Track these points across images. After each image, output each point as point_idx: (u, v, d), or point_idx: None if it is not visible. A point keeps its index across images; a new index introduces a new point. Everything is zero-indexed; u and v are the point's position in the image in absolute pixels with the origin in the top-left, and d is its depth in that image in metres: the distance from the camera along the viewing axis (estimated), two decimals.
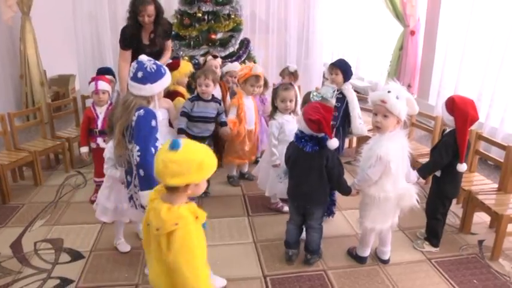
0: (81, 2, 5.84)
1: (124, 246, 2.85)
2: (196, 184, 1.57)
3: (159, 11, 3.64)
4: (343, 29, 8.37)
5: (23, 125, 4.25)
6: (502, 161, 3.10)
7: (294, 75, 4.21)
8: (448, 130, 2.74)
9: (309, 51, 6.64)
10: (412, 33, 5.79)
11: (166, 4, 5.96)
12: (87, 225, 3.15)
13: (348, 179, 2.63)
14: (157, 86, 2.22)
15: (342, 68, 3.82)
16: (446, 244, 2.95)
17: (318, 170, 2.49)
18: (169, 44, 4.01)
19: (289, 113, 3.17)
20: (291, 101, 3.12)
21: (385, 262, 2.74)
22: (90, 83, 3.48)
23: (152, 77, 2.19)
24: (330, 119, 2.43)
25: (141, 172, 2.12)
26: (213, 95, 3.45)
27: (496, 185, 3.17)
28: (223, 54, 4.92)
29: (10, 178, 3.85)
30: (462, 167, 2.64)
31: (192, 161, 1.50)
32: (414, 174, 2.68)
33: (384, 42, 6.97)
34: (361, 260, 2.74)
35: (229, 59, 4.89)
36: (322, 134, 2.43)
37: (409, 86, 5.89)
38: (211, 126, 3.48)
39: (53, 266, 2.68)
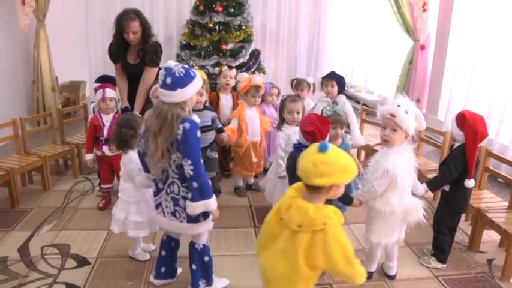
0: (93, 10, 5.92)
1: (143, 255, 2.85)
2: (337, 186, 1.67)
3: (145, 27, 3.44)
4: (353, 42, 8.40)
5: (34, 130, 4.30)
6: (511, 178, 3.07)
7: (311, 87, 4.21)
8: (457, 145, 2.73)
9: (319, 63, 6.66)
10: (422, 47, 5.79)
11: (178, 14, 6.06)
12: (94, 232, 3.16)
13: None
14: (188, 91, 2.14)
15: (337, 80, 3.79)
16: (454, 262, 2.91)
17: None
18: (152, 71, 3.58)
19: (297, 125, 3.17)
20: (298, 112, 3.12)
21: (392, 277, 2.71)
22: (96, 90, 3.49)
23: (181, 81, 2.11)
24: (326, 131, 2.47)
25: (195, 184, 2.11)
26: (204, 104, 3.43)
27: (506, 203, 3.13)
28: (233, 65, 4.95)
29: (19, 182, 3.88)
30: (470, 183, 2.63)
31: (339, 164, 1.62)
32: (422, 187, 2.66)
33: (393, 56, 6.98)
34: (367, 275, 2.71)
35: (240, 70, 4.92)
36: None
37: (418, 101, 5.88)
38: (210, 135, 3.46)
39: (59, 271, 2.69)
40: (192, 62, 4.94)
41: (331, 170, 1.59)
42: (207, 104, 3.53)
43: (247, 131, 3.63)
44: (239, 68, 4.98)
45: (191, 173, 2.09)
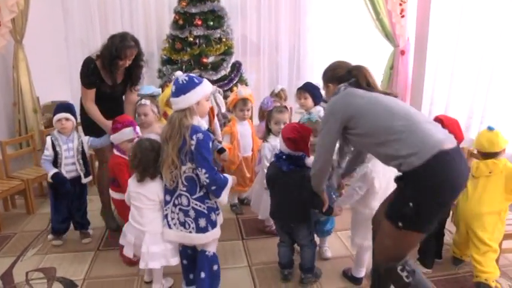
0: (73, 29, 5.90)
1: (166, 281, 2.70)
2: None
3: (138, 53, 3.21)
4: (334, 50, 8.46)
5: (16, 153, 4.23)
6: None
7: (278, 95, 4.14)
8: None
9: (301, 72, 6.71)
10: (402, 52, 5.86)
11: (158, 29, 6.07)
12: (80, 253, 3.11)
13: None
14: (192, 96, 2.22)
15: (310, 92, 3.63)
16: (443, 263, 2.93)
17: (296, 188, 2.48)
18: (136, 91, 3.49)
19: None
20: (284, 123, 3.12)
21: None
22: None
23: (184, 88, 2.22)
24: (307, 138, 2.50)
25: (213, 187, 2.27)
26: None
27: None
28: (215, 78, 4.97)
29: (1, 207, 3.81)
30: None
31: None
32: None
33: (374, 62, 7.04)
34: (356, 280, 2.72)
35: (221, 82, 4.94)
36: (300, 153, 2.51)
37: None
38: None
39: None
40: (173, 77, 4.93)
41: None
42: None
43: (238, 147, 3.58)
44: (221, 80, 5.00)
45: (207, 180, 2.23)
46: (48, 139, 3.13)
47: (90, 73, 3.13)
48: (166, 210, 2.39)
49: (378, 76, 6.43)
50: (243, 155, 3.64)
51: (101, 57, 3.12)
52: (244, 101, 3.53)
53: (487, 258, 2.59)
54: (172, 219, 2.37)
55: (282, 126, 3.11)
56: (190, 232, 2.33)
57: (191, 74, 2.32)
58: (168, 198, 2.38)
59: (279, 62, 6.63)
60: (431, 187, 1.84)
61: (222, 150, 3.31)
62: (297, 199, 2.50)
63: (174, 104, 2.26)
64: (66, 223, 3.25)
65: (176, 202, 2.34)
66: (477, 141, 2.72)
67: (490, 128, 2.70)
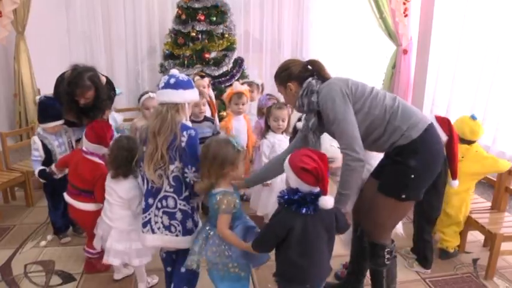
0: (75, 22, 5.89)
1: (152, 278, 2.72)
2: None
3: (99, 93, 2.90)
4: (337, 48, 8.45)
5: (16, 145, 4.22)
6: (494, 179, 3.11)
7: (260, 88, 4.26)
8: None
9: None
10: (405, 52, 5.85)
11: (160, 23, 6.05)
12: (79, 247, 3.10)
13: None
14: (188, 94, 2.16)
15: None
16: (441, 263, 2.94)
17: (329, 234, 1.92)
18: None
19: (282, 133, 3.18)
20: (283, 120, 3.13)
21: None
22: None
23: (184, 83, 2.15)
24: (326, 168, 1.86)
25: None
26: (205, 115, 3.41)
27: (489, 204, 3.17)
28: (216, 73, 4.96)
29: (1, 199, 3.81)
30: (455, 183, 2.62)
31: None
32: None
33: (377, 61, 7.04)
34: None
35: (223, 78, 4.93)
36: (318, 189, 1.84)
37: None
38: None
39: None
40: (170, 72, 4.92)
41: None
42: (208, 116, 3.48)
43: None
44: (222, 76, 4.99)
45: (195, 179, 2.13)
46: (37, 140, 3.01)
47: (63, 93, 2.83)
48: (149, 215, 2.20)
49: (380, 75, 6.44)
50: None
51: (63, 94, 2.84)
52: (239, 95, 3.50)
53: (450, 230, 2.97)
54: (156, 223, 2.20)
55: (281, 122, 3.11)
56: (176, 235, 2.19)
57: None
58: (150, 201, 2.19)
59: (281, 58, 6.60)
60: (428, 157, 2.05)
61: None
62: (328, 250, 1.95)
63: (167, 95, 2.13)
64: (67, 217, 3.22)
65: (159, 205, 2.17)
66: (459, 129, 2.84)
67: (473, 117, 2.90)
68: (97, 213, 2.62)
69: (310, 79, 2.16)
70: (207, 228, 2.15)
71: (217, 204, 2.02)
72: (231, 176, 2.11)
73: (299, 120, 3.59)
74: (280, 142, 3.14)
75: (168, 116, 2.09)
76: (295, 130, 3.61)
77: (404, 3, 5.45)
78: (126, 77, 6.28)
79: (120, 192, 2.42)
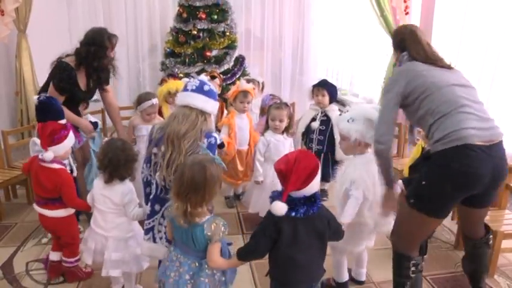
0: (77, 20, 5.89)
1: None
2: None
3: (106, 54, 3.10)
4: (338, 46, 8.45)
5: (17, 143, 4.23)
6: None
7: (260, 85, 4.23)
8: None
9: (304, 67, 6.70)
10: None
11: (162, 21, 6.05)
12: (81, 244, 3.11)
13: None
14: (216, 105, 2.14)
15: (329, 89, 3.65)
16: (441, 261, 2.94)
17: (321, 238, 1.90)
18: (115, 101, 3.47)
19: (282, 133, 3.17)
20: (280, 120, 3.12)
21: (361, 283, 2.67)
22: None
23: (215, 95, 2.12)
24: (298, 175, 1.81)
25: None
26: None
27: None
28: (218, 71, 4.96)
29: (3, 196, 3.83)
30: None
31: None
32: (398, 186, 2.41)
33: (378, 59, 7.03)
34: (343, 286, 2.60)
35: (224, 76, 4.94)
36: (309, 193, 1.81)
37: None
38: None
39: (45, 286, 2.65)
40: (176, 70, 4.93)
41: None
42: None
43: (235, 140, 3.56)
44: (224, 74, 4.99)
45: None
46: (38, 141, 2.71)
47: (66, 78, 2.97)
48: (153, 221, 2.11)
49: (381, 73, 6.43)
50: (238, 148, 3.61)
51: (82, 57, 2.98)
52: (245, 93, 3.51)
53: None
54: (159, 232, 2.12)
55: (278, 122, 3.11)
56: None
57: None
58: (157, 207, 2.10)
59: (282, 56, 6.62)
60: (444, 172, 1.98)
61: (221, 146, 3.27)
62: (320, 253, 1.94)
63: (200, 101, 2.03)
64: None
65: (167, 213, 2.03)
66: None
67: None
68: (69, 219, 2.53)
69: (405, 53, 2.31)
70: (188, 261, 1.89)
71: (210, 234, 1.81)
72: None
73: (313, 120, 3.64)
74: (277, 142, 3.15)
75: (198, 122, 2.03)
76: (308, 129, 3.65)
77: (405, 1, 5.44)
78: (127, 75, 6.28)
79: (114, 199, 2.29)
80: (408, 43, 2.30)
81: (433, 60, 2.26)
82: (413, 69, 2.19)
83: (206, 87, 2.07)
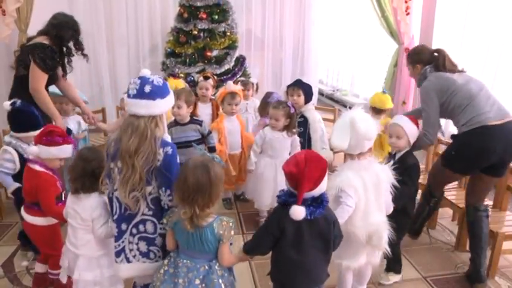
0: (77, 20, 5.87)
1: None
2: None
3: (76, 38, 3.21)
4: (339, 46, 8.46)
5: None
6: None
7: (255, 86, 4.33)
8: (404, 152, 2.63)
9: (304, 68, 6.71)
10: (407, 50, 5.83)
11: (162, 21, 6.05)
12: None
13: None
14: (166, 103, 1.88)
15: (305, 89, 3.47)
16: (442, 262, 2.94)
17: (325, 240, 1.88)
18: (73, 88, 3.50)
19: (278, 130, 3.16)
20: (276, 119, 3.10)
21: None
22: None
23: (161, 90, 1.85)
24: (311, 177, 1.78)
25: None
26: (192, 117, 3.18)
27: (490, 203, 3.16)
28: (218, 72, 4.96)
29: (3, 195, 3.82)
30: None
31: None
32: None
33: (378, 59, 7.03)
34: None
35: (225, 76, 4.94)
36: (313, 194, 1.80)
37: (403, 103, 5.92)
38: (192, 152, 3.01)
39: None
40: (177, 70, 4.93)
41: None
42: (196, 118, 3.25)
43: (226, 145, 3.45)
44: (224, 74, 4.99)
45: (169, 203, 1.87)
46: (12, 150, 2.69)
47: (50, 55, 2.94)
48: (122, 242, 1.93)
49: (382, 73, 6.43)
50: (230, 153, 3.48)
51: (65, 39, 3.08)
52: (233, 94, 3.41)
53: None
54: (131, 250, 1.93)
55: (273, 121, 3.11)
56: (156, 261, 1.95)
57: (160, 76, 1.96)
58: (123, 227, 1.92)
59: (283, 56, 6.62)
60: (467, 147, 2.64)
61: (211, 150, 3.19)
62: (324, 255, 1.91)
63: (143, 107, 1.81)
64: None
65: (135, 231, 1.90)
66: (371, 100, 3.63)
67: (384, 92, 3.66)
68: (49, 230, 2.36)
69: (428, 66, 2.87)
70: (197, 266, 1.84)
71: (222, 232, 1.80)
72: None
73: None
74: (273, 138, 3.16)
75: (148, 132, 1.81)
76: None
77: (406, 2, 5.45)
78: (128, 75, 6.26)
79: (82, 214, 2.08)
80: (435, 58, 2.88)
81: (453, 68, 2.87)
82: (446, 79, 2.79)
83: (147, 88, 1.80)
